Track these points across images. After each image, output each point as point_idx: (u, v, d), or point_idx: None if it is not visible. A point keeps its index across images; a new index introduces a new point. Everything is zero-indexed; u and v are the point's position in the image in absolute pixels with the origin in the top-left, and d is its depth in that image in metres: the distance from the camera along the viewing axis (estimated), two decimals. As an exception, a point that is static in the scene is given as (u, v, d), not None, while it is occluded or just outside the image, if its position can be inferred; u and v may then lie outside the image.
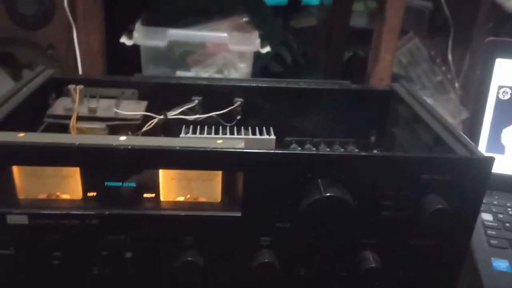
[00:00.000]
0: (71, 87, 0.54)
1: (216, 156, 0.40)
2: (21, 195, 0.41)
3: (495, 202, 0.64)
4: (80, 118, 0.53)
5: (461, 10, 1.08)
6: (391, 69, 0.93)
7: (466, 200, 0.42)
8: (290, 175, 0.40)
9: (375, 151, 0.59)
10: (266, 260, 0.42)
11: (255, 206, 0.41)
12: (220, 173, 0.42)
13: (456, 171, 0.41)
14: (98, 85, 0.56)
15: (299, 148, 0.60)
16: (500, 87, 0.67)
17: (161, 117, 0.56)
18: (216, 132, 0.58)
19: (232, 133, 0.58)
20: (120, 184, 0.42)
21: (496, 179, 0.59)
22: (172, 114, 0.56)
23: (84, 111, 0.53)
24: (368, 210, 0.42)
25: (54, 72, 0.56)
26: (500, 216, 0.61)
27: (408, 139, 0.55)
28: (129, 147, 0.39)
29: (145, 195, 0.42)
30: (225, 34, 0.87)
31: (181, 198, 0.43)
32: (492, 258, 0.54)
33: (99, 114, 0.53)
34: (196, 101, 0.57)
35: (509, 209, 0.63)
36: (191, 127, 0.58)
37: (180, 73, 0.83)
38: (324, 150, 0.58)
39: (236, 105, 0.58)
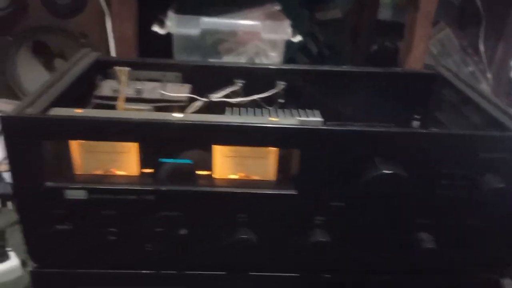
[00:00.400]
0: (117, 69, 0.54)
1: (272, 133, 0.40)
2: (78, 171, 0.42)
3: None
4: (126, 100, 0.53)
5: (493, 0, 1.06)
6: (425, 58, 0.92)
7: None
8: (347, 153, 0.40)
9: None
10: (320, 239, 0.42)
11: (311, 184, 0.41)
12: (275, 150, 0.42)
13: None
14: (142, 68, 0.56)
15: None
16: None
17: (206, 99, 0.56)
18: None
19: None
20: (175, 160, 0.42)
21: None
22: (216, 97, 0.57)
23: (130, 92, 0.53)
24: (424, 189, 0.41)
25: (99, 55, 0.57)
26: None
27: (455, 122, 0.54)
28: (188, 122, 0.39)
29: (199, 172, 0.42)
30: (257, 22, 0.87)
31: (234, 176, 0.43)
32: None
33: (145, 95, 0.53)
34: (240, 84, 0.57)
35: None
36: (232, 110, 0.58)
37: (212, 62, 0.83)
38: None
39: (279, 88, 0.58)
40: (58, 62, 0.98)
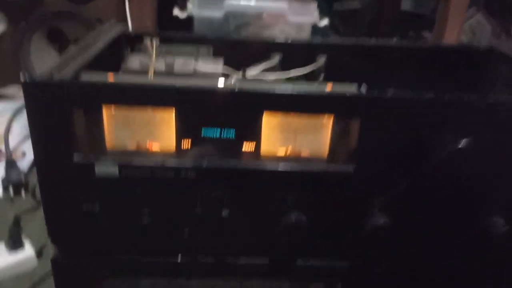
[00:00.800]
0: (147, 41, 0.50)
1: (331, 100, 0.35)
2: (109, 146, 0.37)
3: None
4: (157, 74, 0.49)
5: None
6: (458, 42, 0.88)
7: None
8: (417, 125, 0.35)
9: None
10: (379, 223, 0.38)
11: (371, 160, 0.37)
12: (329, 122, 0.37)
13: None
14: (171, 41, 0.52)
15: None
16: None
17: (241, 74, 0.51)
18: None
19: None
20: (218, 134, 0.37)
21: None
22: (252, 71, 0.52)
23: (160, 66, 0.49)
24: (502, 168, 0.36)
25: (126, 27, 0.52)
26: None
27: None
28: (236, 89, 0.34)
29: (245, 148, 0.38)
30: (284, 4, 0.83)
31: (283, 152, 0.39)
32: None
33: (177, 69, 0.49)
34: (277, 58, 0.53)
35: None
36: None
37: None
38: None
39: (319, 64, 0.53)
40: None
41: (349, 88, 0.37)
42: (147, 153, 0.37)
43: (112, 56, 0.49)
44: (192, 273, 0.41)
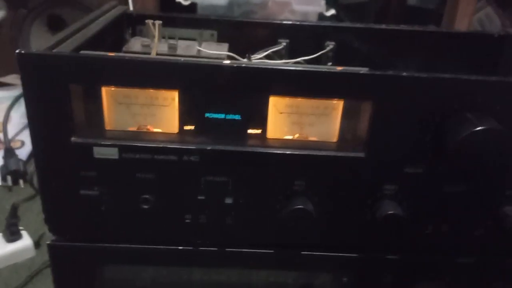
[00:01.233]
0: (149, 22, 0.48)
1: (342, 80, 0.33)
2: (109, 126, 0.36)
3: None
4: (159, 56, 0.47)
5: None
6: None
7: None
8: (431, 105, 0.33)
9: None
10: (390, 212, 0.36)
11: (383, 144, 0.35)
12: (339, 106, 0.36)
13: None
14: (175, 23, 0.50)
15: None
16: None
17: (245, 60, 0.49)
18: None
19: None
20: (223, 116, 0.36)
21: None
22: (256, 57, 0.50)
23: (163, 49, 0.47)
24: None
25: (127, 8, 0.50)
26: None
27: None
28: (243, 65, 0.32)
29: (250, 131, 0.36)
30: (290, -8, 0.81)
31: (290, 137, 0.37)
32: None
33: (180, 52, 0.47)
34: (283, 44, 0.51)
35: None
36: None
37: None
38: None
39: (327, 49, 0.51)
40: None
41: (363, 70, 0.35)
42: (148, 135, 0.36)
43: (113, 37, 0.47)
44: (194, 262, 0.39)
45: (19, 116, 0.83)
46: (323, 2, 0.83)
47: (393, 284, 0.40)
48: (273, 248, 0.39)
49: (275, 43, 0.52)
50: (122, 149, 0.34)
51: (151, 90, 0.35)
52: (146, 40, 0.48)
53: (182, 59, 0.33)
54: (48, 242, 0.38)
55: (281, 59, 0.52)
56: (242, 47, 0.50)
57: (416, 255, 0.39)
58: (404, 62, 0.52)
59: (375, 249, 0.39)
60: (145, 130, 0.36)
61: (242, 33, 0.52)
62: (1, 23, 0.89)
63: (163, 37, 0.49)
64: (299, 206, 0.36)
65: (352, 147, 0.36)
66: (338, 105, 0.36)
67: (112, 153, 0.34)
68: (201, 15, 0.52)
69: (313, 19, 0.84)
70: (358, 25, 0.51)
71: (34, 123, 0.34)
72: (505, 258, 0.34)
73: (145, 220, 0.37)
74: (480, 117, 0.32)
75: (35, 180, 0.69)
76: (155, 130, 0.36)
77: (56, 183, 0.35)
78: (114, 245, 0.38)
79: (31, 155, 0.75)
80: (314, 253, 0.39)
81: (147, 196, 0.36)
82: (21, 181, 0.71)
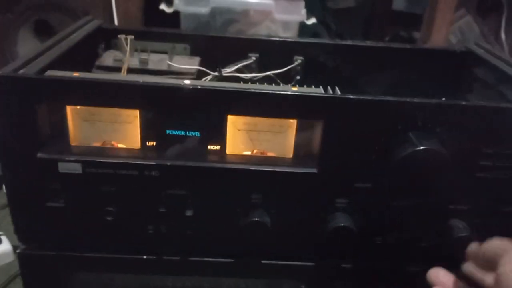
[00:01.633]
0: (122, 37, 0.50)
1: (294, 101, 0.35)
2: (74, 142, 0.38)
3: None
4: (130, 71, 0.49)
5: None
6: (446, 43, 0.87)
7: None
8: (377, 126, 0.35)
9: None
10: (341, 224, 0.38)
11: (334, 161, 0.37)
12: (293, 124, 0.37)
13: None
14: (148, 37, 0.52)
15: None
16: None
17: (216, 73, 0.51)
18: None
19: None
20: (183, 133, 0.37)
21: None
22: (227, 71, 0.52)
23: (134, 63, 0.49)
24: (462, 170, 0.37)
25: (102, 23, 0.52)
26: None
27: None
28: (199, 87, 0.34)
29: (210, 147, 0.38)
30: (271, 1, 0.83)
31: (248, 152, 0.39)
32: None
33: (151, 66, 0.49)
34: (253, 58, 0.53)
35: None
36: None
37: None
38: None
39: (296, 63, 0.53)
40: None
41: (317, 91, 0.37)
42: (111, 151, 0.37)
43: (87, 51, 0.49)
44: (158, 270, 0.41)
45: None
46: (304, 11, 0.85)
47: (349, 291, 0.42)
48: (233, 257, 0.41)
49: (246, 57, 0.54)
50: (85, 164, 0.36)
51: (115, 108, 0.37)
52: (118, 55, 0.50)
53: (141, 80, 0.34)
54: (18, 251, 0.40)
55: (251, 72, 0.54)
56: (213, 61, 0.52)
57: (367, 263, 0.41)
58: (371, 77, 0.54)
59: (330, 258, 0.41)
60: (109, 145, 0.38)
61: (214, 47, 0.54)
62: (-13, 29, 0.90)
63: (136, 50, 0.51)
64: (255, 219, 0.38)
65: (306, 163, 0.38)
66: (293, 123, 0.38)
67: (75, 168, 0.36)
68: (175, 30, 0.53)
69: (294, 28, 0.85)
70: (325, 41, 0.53)
71: (2, 139, 0.36)
72: (451, 266, 0.36)
73: (110, 231, 0.39)
74: (421, 137, 0.34)
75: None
76: (119, 145, 0.38)
77: (23, 195, 0.37)
78: (81, 254, 0.40)
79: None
80: (273, 262, 0.41)
81: (110, 208, 0.38)
82: (4, 187, 0.72)
